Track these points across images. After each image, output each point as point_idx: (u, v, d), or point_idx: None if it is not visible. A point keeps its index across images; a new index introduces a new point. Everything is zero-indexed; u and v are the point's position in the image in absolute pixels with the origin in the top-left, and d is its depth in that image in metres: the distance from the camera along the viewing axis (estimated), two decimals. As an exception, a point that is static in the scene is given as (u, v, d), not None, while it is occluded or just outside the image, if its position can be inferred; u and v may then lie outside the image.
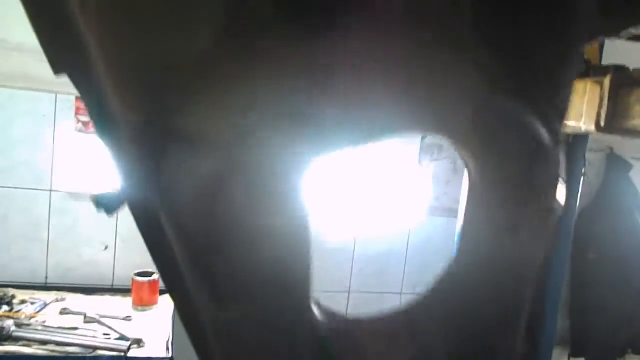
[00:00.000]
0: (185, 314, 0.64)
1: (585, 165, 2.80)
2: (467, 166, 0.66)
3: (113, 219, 3.04)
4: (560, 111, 0.65)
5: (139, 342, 2.49)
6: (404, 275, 3.56)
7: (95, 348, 2.40)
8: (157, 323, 2.75)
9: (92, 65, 0.55)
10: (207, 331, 0.62)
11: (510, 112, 0.61)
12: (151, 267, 2.99)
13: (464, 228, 0.68)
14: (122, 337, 2.51)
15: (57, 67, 0.58)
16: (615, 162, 3.73)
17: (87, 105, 0.59)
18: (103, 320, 2.65)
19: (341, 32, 0.53)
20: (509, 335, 0.70)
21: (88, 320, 2.64)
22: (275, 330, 0.61)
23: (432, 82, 0.58)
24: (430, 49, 0.57)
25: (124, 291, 3.01)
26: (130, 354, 2.41)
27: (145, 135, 0.55)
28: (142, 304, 2.88)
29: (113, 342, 2.45)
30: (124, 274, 3.03)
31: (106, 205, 0.68)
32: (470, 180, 0.66)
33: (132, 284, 2.90)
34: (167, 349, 2.51)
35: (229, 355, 0.63)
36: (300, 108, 0.54)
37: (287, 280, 0.60)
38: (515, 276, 0.68)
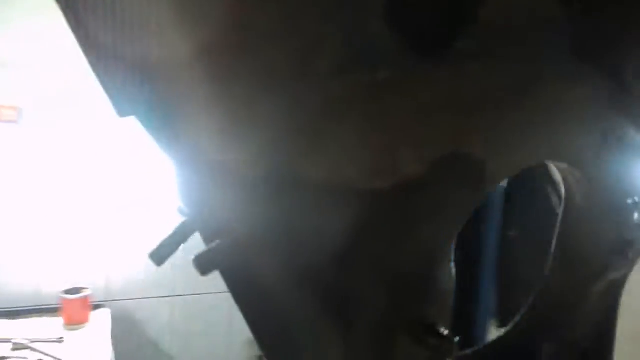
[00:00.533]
0: None
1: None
2: (569, 185, 0.66)
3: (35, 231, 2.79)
4: None
5: (76, 365, 2.31)
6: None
7: (30, 379, 2.20)
8: (92, 342, 2.55)
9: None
10: None
11: (626, 131, 0.60)
12: (80, 282, 2.79)
13: (559, 241, 0.68)
14: (58, 363, 2.31)
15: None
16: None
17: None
18: (33, 345, 2.43)
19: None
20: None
21: (16, 347, 2.41)
22: None
23: (562, 111, 0.56)
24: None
25: (51, 311, 2.77)
26: (70, 381, 2.23)
27: (269, 185, 0.49)
28: (74, 322, 2.67)
29: (49, 370, 2.26)
30: (50, 292, 2.79)
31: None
32: (569, 196, 0.65)
33: (62, 302, 2.68)
34: (110, 367, 2.34)
35: None
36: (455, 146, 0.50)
37: None
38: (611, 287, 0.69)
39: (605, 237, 0.70)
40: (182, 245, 3.29)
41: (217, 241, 0.53)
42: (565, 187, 0.68)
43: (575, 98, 0.60)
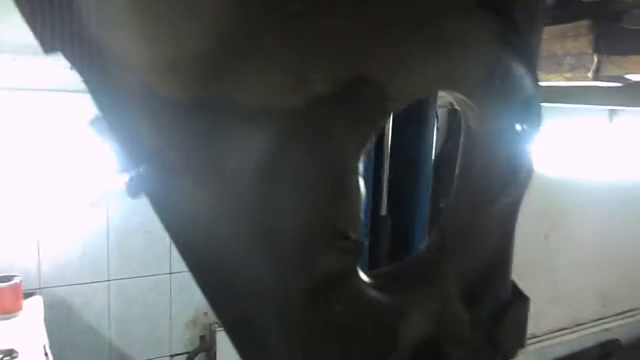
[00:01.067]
0: None
1: (437, 118, 3.06)
2: (466, 119, 0.73)
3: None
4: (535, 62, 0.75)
5: (10, 353, 2.27)
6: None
7: (-40, 368, 2.14)
8: (26, 329, 2.50)
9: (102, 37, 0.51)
10: None
11: (511, 66, 0.69)
12: (10, 270, 2.72)
13: (460, 171, 0.75)
14: (-9, 351, 2.26)
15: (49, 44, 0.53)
16: (454, 116, 4.10)
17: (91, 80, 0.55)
18: (-37, 336, 2.36)
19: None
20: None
21: (-56, 339, 2.33)
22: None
23: (455, 44, 0.63)
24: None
25: (-21, 301, 2.69)
26: (4, 368, 2.19)
27: (196, 111, 0.53)
28: (5, 311, 2.60)
29: (-19, 359, 2.20)
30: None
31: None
32: (467, 131, 0.74)
33: (-9, 291, 2.60)
34: (45, 354, 2.31)
35: None
36: (357, 70, 0.55)
37: None
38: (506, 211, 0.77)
39: (498, 162, 0.78)
40: (114, 230, 3.24)
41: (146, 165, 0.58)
42: (462, 115, 0.76)
43: (466, 33, 0.68)
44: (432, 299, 0.76)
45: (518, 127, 0.76)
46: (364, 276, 0.69)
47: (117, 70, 0.56)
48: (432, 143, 3.16)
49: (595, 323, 5.16)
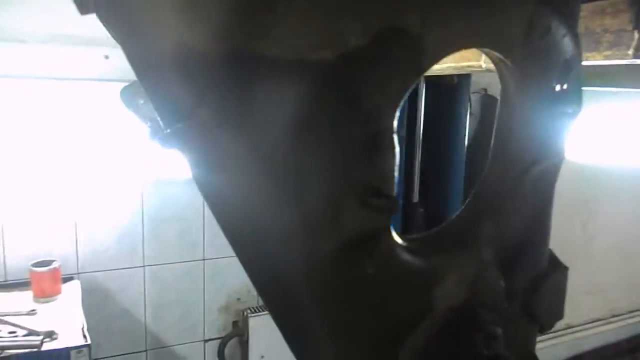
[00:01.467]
0: None
1: (470, 104, 3.01)
2: (504, 82, 0.71)
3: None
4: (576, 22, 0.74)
5: (50, 335, 2.33)
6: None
7: (4, 348, 2.20)
8: (65, 313, 2.57)
9: None
10: None
11: (551, 24, 0.67)
12: (50, 255, 2.79)
13: (496, 137, 0.74)
14: (31, 332, 2.32)
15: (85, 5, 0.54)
16: (489, 102, 4.05)
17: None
18: (5, 318, 2.43)
19: None
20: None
21: (-12, 320, 2.41)
22: None
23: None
24: None
25: (20, 285, 2.77)
26: (44, 348, 2.24)
27: (228, 66, 0.53)
28: (45, 295, 2.67)
29: (22, 339, 2.27)
30: (17, 266, 2.79)
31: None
32: (504, 95, 0.74)
33: (30, 275, 2.67)
34: (84, 336, 2.36)
35: None
36: (393, 20, 0.55)
37: None
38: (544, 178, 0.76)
39: (536, 127, 0.77)
40: (149, 218, 3.30)
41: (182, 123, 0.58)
42: (500, 78, 0.74)
43: None
44: (467, 263, 0.75)
45: (557, 88, 0.74)
46: (397, 238, 0.68)
47: (150, 28, 0.56)
48: (465, 129, 3.11)
49: (632, 314, 5.03)
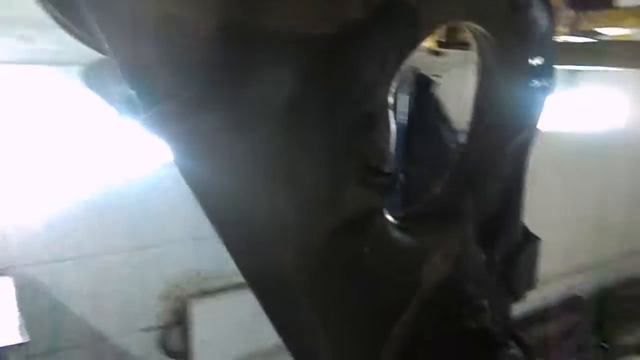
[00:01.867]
0: None
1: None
2: (483, 57, 0.71)
3: None
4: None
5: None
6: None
7: None
8: (-3, 309, 2.42)
9: None
10: None
11: (533, 2, 0.68)
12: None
13: (476, 112, 0.74)
14: (-38, 333, 2.17)
15: None
16: (419, 80, 4.08)
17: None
18: None
19: None
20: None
21: None
22: None
23: None
24: None
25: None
26: (-21, 349, 2.11)
27: (221, 41, 0.49)
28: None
29: (-47, 341, 2.12)
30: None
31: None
32: (483, 63, 0.72)
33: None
34: (21, 334, 2.24)
35: None
36: None
37: None
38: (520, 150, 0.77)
39: (514, 101, 0.78)
40: (85, 204, 3.14)
41: (166, 103, 0.54)
42: (479, 52, 0.75)
43: None
44: (451, 239, 0.75)
45: (533, 61, 0.75)
46: (389, 217, 0.67)
47: None
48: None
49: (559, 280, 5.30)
